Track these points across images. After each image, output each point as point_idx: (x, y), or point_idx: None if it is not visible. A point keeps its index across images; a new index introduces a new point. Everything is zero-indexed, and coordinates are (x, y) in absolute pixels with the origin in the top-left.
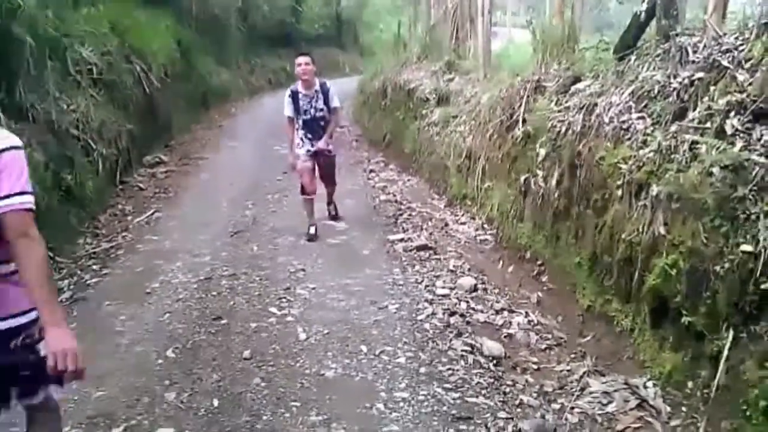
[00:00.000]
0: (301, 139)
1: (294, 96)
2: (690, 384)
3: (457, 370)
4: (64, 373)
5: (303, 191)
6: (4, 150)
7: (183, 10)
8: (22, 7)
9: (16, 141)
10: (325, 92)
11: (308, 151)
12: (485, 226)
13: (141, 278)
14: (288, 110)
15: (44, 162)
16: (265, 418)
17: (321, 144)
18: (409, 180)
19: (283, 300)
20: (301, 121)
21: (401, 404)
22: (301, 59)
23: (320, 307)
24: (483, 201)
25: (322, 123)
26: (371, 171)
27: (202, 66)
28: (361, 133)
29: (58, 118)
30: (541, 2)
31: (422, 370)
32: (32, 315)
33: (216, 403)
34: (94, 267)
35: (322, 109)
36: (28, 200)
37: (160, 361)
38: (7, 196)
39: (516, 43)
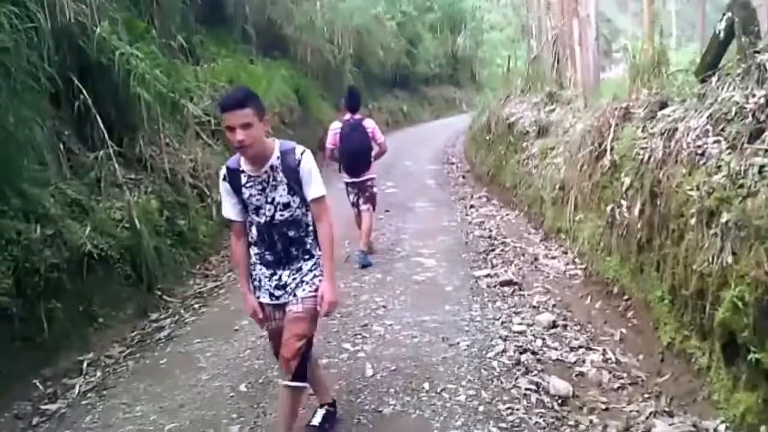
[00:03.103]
0: (255, 264)
1: (232, 178)
2: (763, 428)
3: (518, 410)
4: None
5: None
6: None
7: (299, 59)
8: (137, 68)
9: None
10: (291, 168)
11: (271, 296)
12: (576, 260)
13: (233, 316)
14: (226, 208)
15: (158, 208)
16: None
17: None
18: (507, 215)
19: (358, 336)
20: (253, 229)
21: None
22: (229, 116)
23: (393, 343)
24: (575, 234)
25: (292, 234)
26: (471, 206)
27: (320, 112)
28: (469, 168)
29: (174, 167)
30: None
31: (481, 408)
32: None
33: None
34: (195, 306)
35: (288, 206)
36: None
37: (232, 394)
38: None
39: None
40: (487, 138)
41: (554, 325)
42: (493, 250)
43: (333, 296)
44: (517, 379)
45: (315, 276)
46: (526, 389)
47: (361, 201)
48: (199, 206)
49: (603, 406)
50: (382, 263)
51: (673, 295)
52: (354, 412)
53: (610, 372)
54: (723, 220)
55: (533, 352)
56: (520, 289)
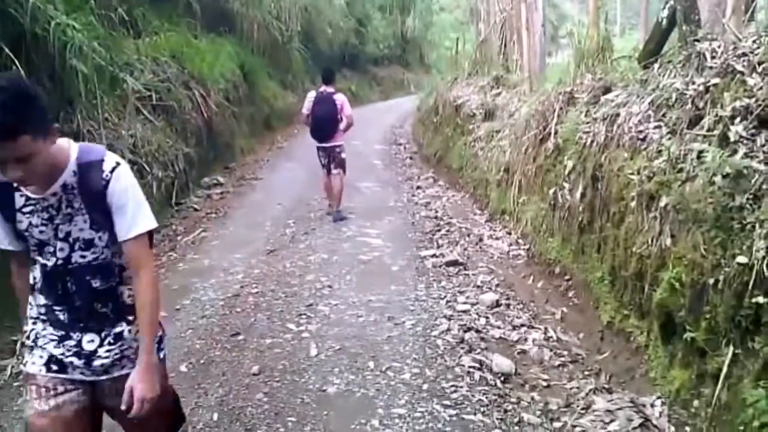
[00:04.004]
0: (36, 320)
1: (5, 202)
2: (696, 402)
3: (461, 387)
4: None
5: None
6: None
7: (245, 36)
8: (74, 39)
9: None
10: (94, 191)
11: (58, 365)
12: (519, 240)
13: (175, 295)
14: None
15: None
16: None
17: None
18: (453, 196)
19: (303, 316)
20: (36, 270)
21: (396, 421)
22: None
23: (338, 323)
24: (519, 215)
25: (98, 284)
26: (418, 187)
27: (266, 89)
28: (416, 150)
29: (113, 143)
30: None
31: (425, 386)
32: None
33: (215, 417)
34: None
35: (92, 244)
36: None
37: (172, 375)
38: None
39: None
40: (435, 120)
41: (497, 304)
42: (438, 230)
43: (149, 390)
44: (460, 357)
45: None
46: (470, 367)
47: (332, 166)
48: (138, 183)
49: (544, 384)
50: (328, 243)
51: (613, 276)
52: (298, 392)
53: (551, 350)
54: (662, 203)
55: (477, 331)
56: (465, 269)
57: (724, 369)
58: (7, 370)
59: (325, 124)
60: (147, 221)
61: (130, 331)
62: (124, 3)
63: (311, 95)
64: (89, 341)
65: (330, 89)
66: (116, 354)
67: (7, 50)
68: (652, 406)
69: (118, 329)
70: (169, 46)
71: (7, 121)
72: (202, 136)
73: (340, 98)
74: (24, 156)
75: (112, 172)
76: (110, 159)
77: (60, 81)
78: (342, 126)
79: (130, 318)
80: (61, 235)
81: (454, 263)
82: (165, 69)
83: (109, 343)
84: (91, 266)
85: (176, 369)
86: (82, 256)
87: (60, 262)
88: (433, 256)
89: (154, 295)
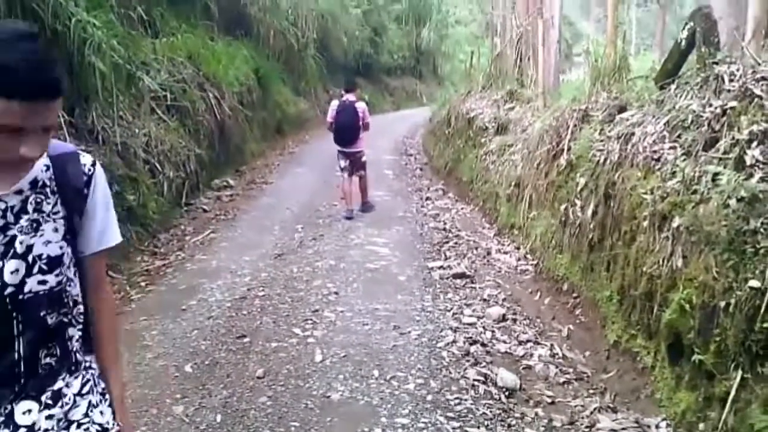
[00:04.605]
0: None
1: None
2: (701, 426)
3: (465, 400)
4: None
5: None
6: None
7: (261, 41)
8: (93, 36)
9: None
10: (75, 187)
11: None
12: (528, 256)
13: (181, 296)
14: None
15: (108, 181)
16: None
17: None
18: (463, 208)
19: (309, 321)
20: None
21: (400, 430)
22: (28, 109)
23: (343, 330)
24: (528, 231)
25: (53, 320)
26: (427, 198)
27: (279, 95)
28: (426, 161)
29: (127, 141)
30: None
31: (429, 397)
32: None
33: (219, 418)
34: (142, 283)
35: (57, 263)
36: None
37: (177, 374)
38: None
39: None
40: (447, 132)
41: (504, 318)
42: (447, 242)
43: (131, 429)
44: (465, 369)
45: (104, 410)
46: (475, 380)
47: (354, 169)
48: (150, 182)
49: (549, 400)
50: (336, 250)
51: (622, 295)
52: (302, 397)
53: (556, 367)
54: (675, 224)
55: (482, 344)
56: (472, 282)
57: (732, 393)
58: None
59: (347, 132)
60: (118, 233)
61: (74, 386)
62: (143, 3)
63: (334, 104)
64: (24, 412)
65: (352, 98)
66: (63, 424)
67: None
68: (657, 427)
69: (59, 386)
70: (185, 48)
71: (55, 73)
72: (215, 138)
73: (361, 107)
74: (52, 125)
75: (93, 166)
76: (85, 154)
77: (77, 77)
78: (362, 134)
79: (74, 369)
80: (18, 251)
81: (461, 276)
82: (181, 70)
83: (51, 407)
84: (48, 297)
85: (181, 369)
86: (42, 282)
87: (9, 291)
88: (441, 267)
89: (117, 322)
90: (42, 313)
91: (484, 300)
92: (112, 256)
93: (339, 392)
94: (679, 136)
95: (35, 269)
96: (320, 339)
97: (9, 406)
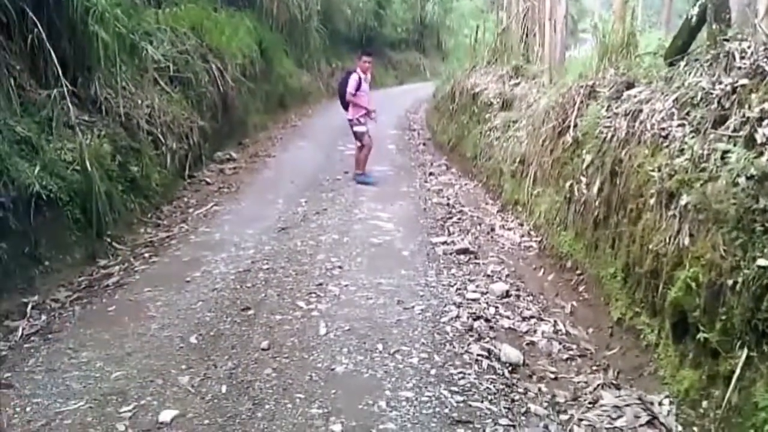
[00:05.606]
0: None
1: None
2: (704, 403)
3: (469, 374)
4: None
5: None
6: None
7: (264, 12)
8: (96, 5)
9: None
10: None
11: None
12: (531, 232)
13: (185, 267)
14: None
15: (111, 153)
16: (267, 407)
17: None
18: (466, 184)
19: (313, 295)
20: None
21: (403, 403)
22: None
23: (347, 304)
24: (532, 207)
25: None
26: (431, 174)
27: (282, 67)
28: (429, 136)
29: (130, 111)
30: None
31: (433, 371)
32: None
33: (224, 389)
34: (146, 255)
35: None
36: None
37: (182, 345)
38: None
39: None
40: (451, 107)
41: (507, 294)
42: (450, 218)
43: None
44: (469, 344)
45: None
46: (478, 355)
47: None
48: (153, 153)
49: (552, 376)
50: (340, 224)
51: (626, 273)
52: (306, 369)
53: (560, 343)
54: (682, 202)
55: (486, 320)
56: (476, 258)
57: (737, 371)
58: (18, 331)
59: (341, 99)
60: None
61: None
62: None
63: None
64: None
65: (352, 68)
66: None
67: (30, 12)
68: (660, 404)
69: None
70: (188, 18)
71: None
72: (217, 111)
73: (352, 77)
74: None
75: None
76: None
77: (80, 46)
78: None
79: None
80: None
81: (464, 251)
82: (184, 41)
83: None
84: None
85: (186, 340)
86: None
87: None
88: (444, 243)
89: None
90: None
91: (488, 276)
92: (116, 228)
93: (343, 365)
94: (687, 114)
95: None
96: (324, 312)
97: None
